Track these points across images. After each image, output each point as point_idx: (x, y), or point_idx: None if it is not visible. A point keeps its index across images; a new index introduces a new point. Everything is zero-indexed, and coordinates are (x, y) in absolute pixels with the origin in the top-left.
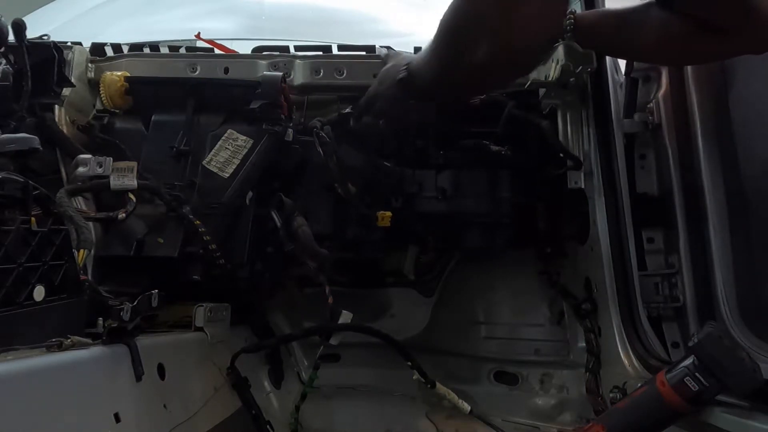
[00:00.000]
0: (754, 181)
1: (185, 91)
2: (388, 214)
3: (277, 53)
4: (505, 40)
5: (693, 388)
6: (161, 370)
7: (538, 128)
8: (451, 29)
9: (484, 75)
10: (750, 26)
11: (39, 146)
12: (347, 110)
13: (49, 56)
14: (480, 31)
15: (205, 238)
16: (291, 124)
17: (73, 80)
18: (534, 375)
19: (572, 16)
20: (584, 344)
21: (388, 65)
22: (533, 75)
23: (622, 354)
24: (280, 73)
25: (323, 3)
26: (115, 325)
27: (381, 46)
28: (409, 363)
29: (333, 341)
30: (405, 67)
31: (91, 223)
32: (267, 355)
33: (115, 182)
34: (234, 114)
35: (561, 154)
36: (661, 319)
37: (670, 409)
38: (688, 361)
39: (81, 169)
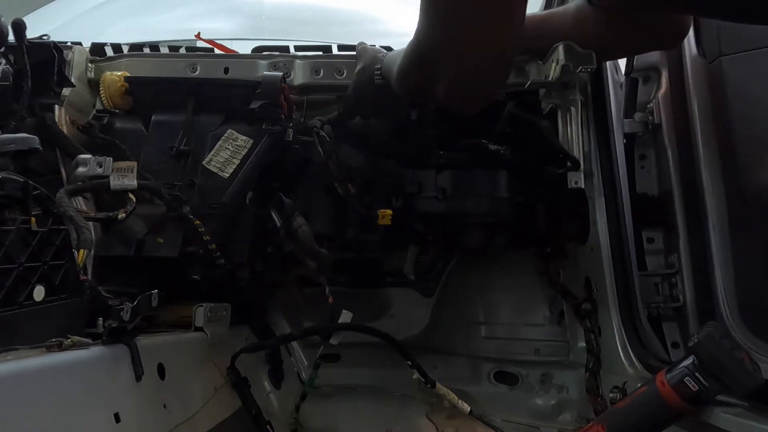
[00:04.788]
0: (753, 181)
1: (185, 91)
2: (389, 212)
3: (277, 53)
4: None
5: (693, 388)
6: (161, 370)
7: (538, 128)
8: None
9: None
10: (660, 19)
11: (39, 146)
12: None
13: (49, 56)
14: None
15: (205, 238)
16: (291, 124)
17: (73, 80)
18: (534, 375)
19: None
20: (584, 344)
21: (360, 65)
22: (533, 75)
23: (622, 354)
24: (280, 73)
25: (323, 3)
26: (115, 325)
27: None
28: (409, 363)
29: (333, 341)
30: (378, 68)
31: (91, 223)
32: (267, 355)
33: (115, 182)
34: (234, 114)
35: (560, 155)
36: (661, 319)
37: (670, 409)
38: (688, 361)
39: (81, 169)
